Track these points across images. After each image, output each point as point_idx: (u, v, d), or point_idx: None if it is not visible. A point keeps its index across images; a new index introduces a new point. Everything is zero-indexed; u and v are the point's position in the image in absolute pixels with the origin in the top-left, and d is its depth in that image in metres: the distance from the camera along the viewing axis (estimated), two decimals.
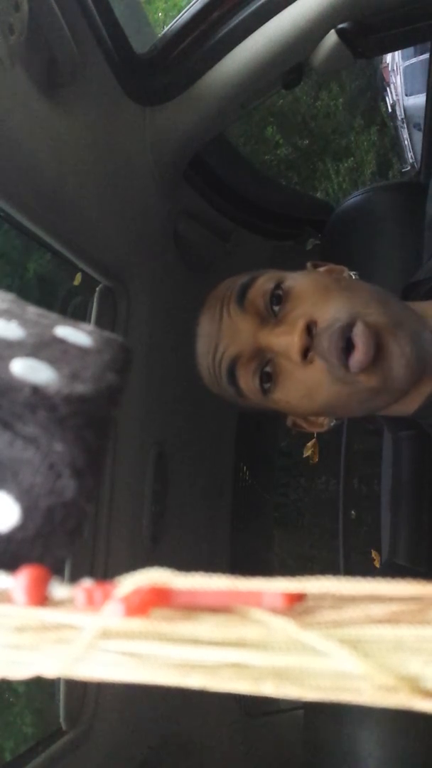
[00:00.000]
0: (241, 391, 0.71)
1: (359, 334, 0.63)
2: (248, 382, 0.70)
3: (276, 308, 0.68)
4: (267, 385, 0.69)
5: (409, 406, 0.72)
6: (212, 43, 0.82)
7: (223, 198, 1.10)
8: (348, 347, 0.64)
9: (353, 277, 0.74)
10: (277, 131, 4.73)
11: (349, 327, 0.64)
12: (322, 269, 0.76)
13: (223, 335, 0.71)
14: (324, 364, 0.65)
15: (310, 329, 0.64)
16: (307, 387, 0.67)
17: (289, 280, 0.69)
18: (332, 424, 0.78)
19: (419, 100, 5.47)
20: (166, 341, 0.96)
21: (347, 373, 0.64)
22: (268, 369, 0.68)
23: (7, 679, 0.19)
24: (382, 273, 1.10)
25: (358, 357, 0.63)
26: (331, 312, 0.65)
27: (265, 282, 0.69)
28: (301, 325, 0.64)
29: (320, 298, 0.67)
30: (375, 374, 0.64)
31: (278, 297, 0.68)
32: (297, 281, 0.69)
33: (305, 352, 0.64)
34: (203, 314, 0.74)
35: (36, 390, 0.21)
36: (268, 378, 0.69)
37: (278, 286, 0.68)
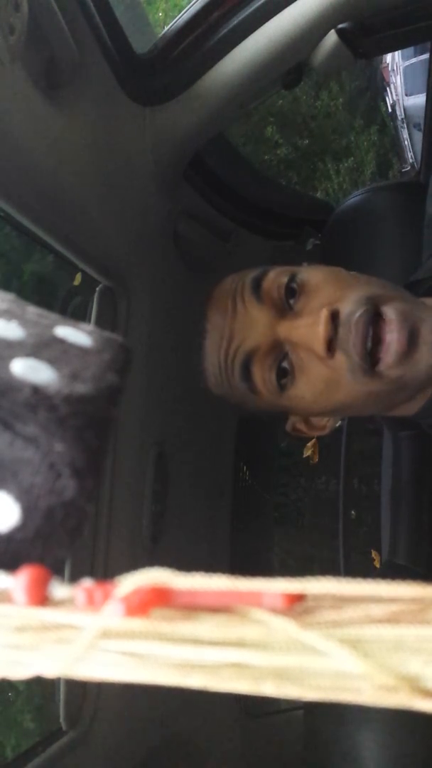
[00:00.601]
0: (255, 388, 0.68)
1: (392, 321, 0.61)
2: (264, 377, 0.67)
3: (291, 301, 0.66)
4: (283, 381, 0.66)
5: (412, 406, 0.72)
6: (212, 43, 0.82)
7: (223, 198, 1.10)
8: (373, 344, 0.61)
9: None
10: (277, 131, 4.73)
11: (372, 312, 0.62)
12: None
13: (237, 328, 0.68)
14: (345, 360, 0.63)
15: (333, 319, 0.62)
16: (326, 383, 0.65)
17: (302, 273, 0.67)
18: (337, 424, 0.76)
19: (419, 100, 5.47)
20: (166, 341, 0.96)
21: (373, 374, 0.62)
22: (284, 364, 0.66)
23: (7, 679, 0.19)
24: (382, 273, 1.10)
25: (393, 348, 0.60)
26: (352, 299, 0.63)
27: (278, 275, 0.67)
28: (325, 314, 0.62)
29: (338, 287, 0.65)
30: (403, 365, 0.62)
31: (293, 290, 0.66)
32: (310, 274, 0.67)
33: (329, 344, 0.62)
34: (212, 309, 0.71)
35: (36, 390, 0.21)
36: (283, 373, 0.66)
37: (292, 279, 0.66)
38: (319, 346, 0.63)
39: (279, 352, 0.67)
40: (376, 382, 0.64)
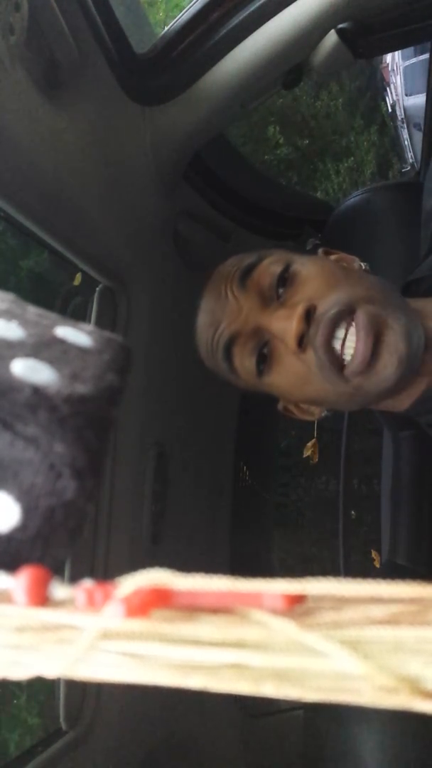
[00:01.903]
0: (235, 369, 0.71)
1: (359, 325, 0.62)
2: (243, 361, 0.70)
3: (281, 291, 0.67)
4: (262, 367, 0.69)
5: (402, 402, 0.72)
6: (212, 43, 0.82)
7: (223, 198, 1.10)
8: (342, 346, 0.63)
9: (362, 267, 0.74)
10: (278, 131, 4.73)
11: (347, 313, 0.63)
12: (333, 257, 0.76)
13: (224, 312, 0.70)
14: (314, 358, 0.64)
15: (309, 315, 0.64)
16: (298, 376, 0.67)
17: (296, 264, 0.68)
18: (323, 414, 0.77)
19: (419, 100, 5.48)
20: (166, 341, 0.96)
21: (340, 376, 0.64)
22: (265, 351, 0.68)
23: (8, 679, 0.19)
24: (381, 273, 1.10)
25: (357, 360, 0.62)
26: (331, 298, 0.64)
27: (272, 263, 0.69)
28: (300, 310, 0.63)
29: (324, 285, 0.66)
30: (367, 374, 0.63)
31: (284, 280, 0.67)
32: (305, 266, 0.68)
33: (301, 339, 0.64)
34: (207, 289, 0.74)
35: (36, 390, 0.21)
36: (263, 359, 0.68)
37: (286, 268, 0.68)
38: (290, 340, 0.64)
39: (260, 339, 0.69)
40: (343, 385, 0.65)
